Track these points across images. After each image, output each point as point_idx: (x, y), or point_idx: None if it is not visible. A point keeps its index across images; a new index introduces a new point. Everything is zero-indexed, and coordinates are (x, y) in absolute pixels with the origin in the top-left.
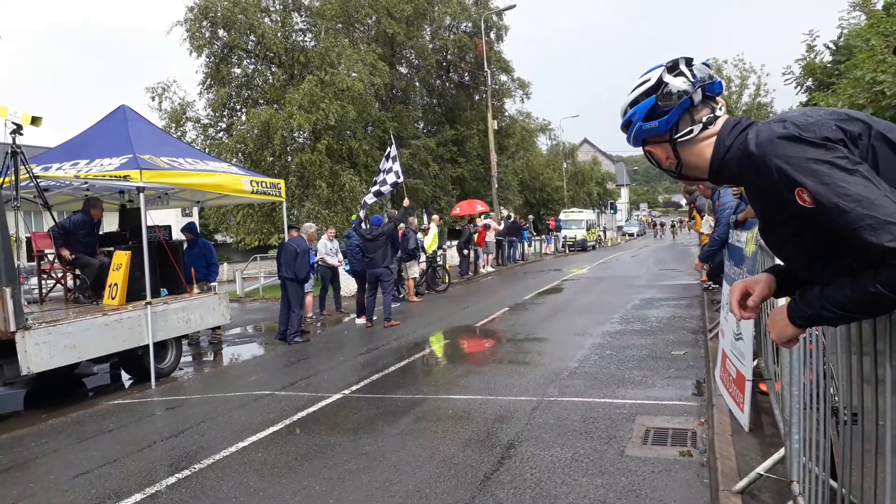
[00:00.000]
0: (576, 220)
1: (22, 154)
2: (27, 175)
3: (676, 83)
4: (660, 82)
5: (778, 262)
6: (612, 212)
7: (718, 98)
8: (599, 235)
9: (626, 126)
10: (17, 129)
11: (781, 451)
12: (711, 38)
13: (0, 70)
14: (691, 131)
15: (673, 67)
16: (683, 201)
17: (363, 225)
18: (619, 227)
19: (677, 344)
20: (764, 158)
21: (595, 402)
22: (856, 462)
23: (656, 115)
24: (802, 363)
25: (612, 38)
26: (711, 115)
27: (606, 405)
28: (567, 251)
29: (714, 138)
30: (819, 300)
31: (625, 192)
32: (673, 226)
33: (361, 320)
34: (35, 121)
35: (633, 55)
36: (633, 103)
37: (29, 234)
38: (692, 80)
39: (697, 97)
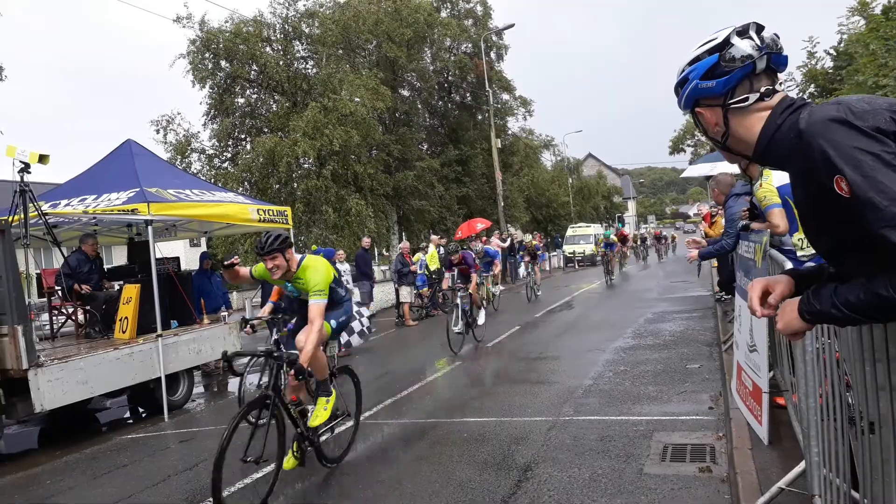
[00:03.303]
0: (584, 235)
1: (30, 192)
2: (36, 212)
3: (743, 45)
4: (726, 42)
5: (788, 266)
6: (619, 225)
7: (780, 74)
8: None
9: (681, 84)
10: (25, 168)
11: (802, 465)
12: None
13: (7, 109)
14: (746, 99)
15: (743, 31)
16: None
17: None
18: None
19: (692, 357)
20: (810, 139)
21: (611, 419)
22: (876, 472)
23: (716, 75)
24: (818, 373)
25: (614, 54)
26: (770, 88)
27: (623, 423)
28: (576, 266)
29: (767, 113)
30: (831, 298)
31: (632, 204)
32: (672, 239)
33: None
34: (42, 158)
35: (635, 69)
36: (693, 60)
37: (39, 271)
38: (759, 45)
39: (761, 64)
